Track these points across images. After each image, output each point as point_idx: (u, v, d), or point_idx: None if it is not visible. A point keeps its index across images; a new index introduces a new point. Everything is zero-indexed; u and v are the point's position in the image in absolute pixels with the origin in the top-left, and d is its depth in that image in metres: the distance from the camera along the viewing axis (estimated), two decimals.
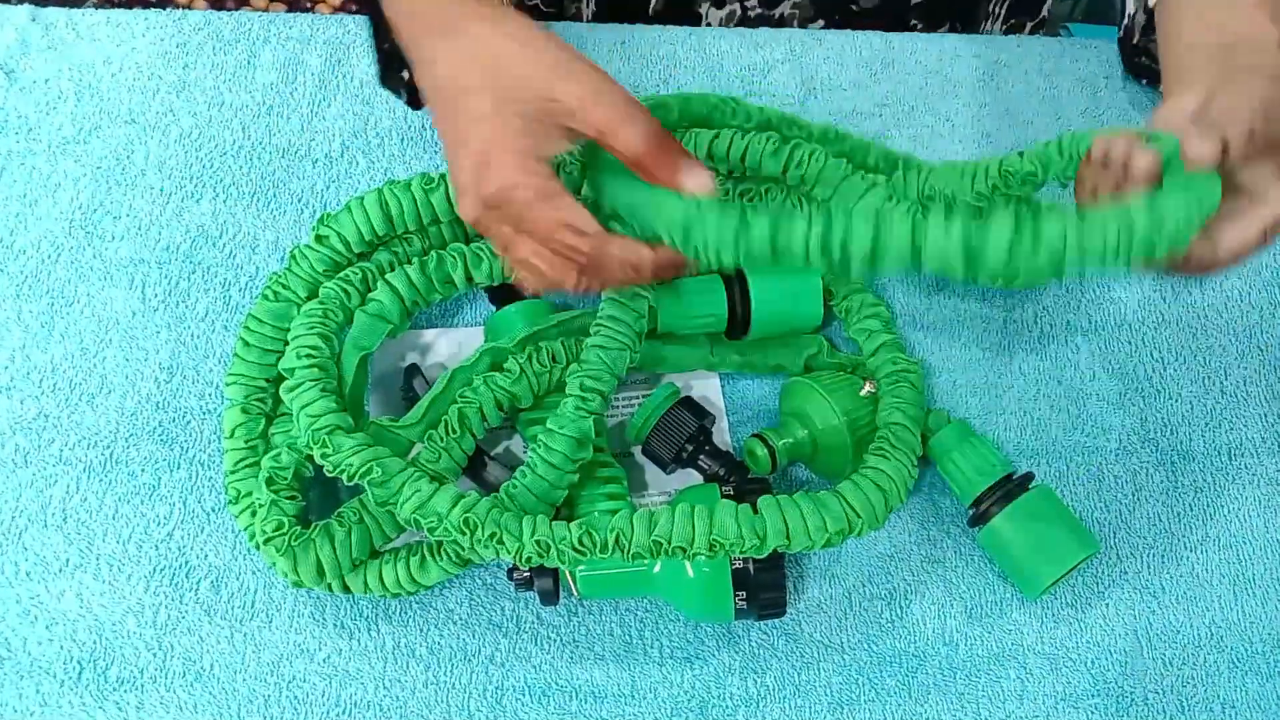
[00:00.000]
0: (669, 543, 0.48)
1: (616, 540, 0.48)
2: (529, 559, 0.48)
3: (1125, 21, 0.72)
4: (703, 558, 0.49)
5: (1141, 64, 0.74)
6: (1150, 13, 0.65)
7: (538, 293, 0.57)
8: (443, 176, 0.58)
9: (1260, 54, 0.51)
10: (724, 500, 0.50)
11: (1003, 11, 0.84)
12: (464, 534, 0.48)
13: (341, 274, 0.57)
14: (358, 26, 0.72)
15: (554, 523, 0.49)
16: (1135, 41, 0.72)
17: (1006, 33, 0.85)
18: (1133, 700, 0.57)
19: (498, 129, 0.47)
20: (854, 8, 0.79)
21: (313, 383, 0.52)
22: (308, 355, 0.53)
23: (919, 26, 0.81)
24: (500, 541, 0.48)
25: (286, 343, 0.55)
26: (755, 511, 0.49)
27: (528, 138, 0.47)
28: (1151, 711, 0.57)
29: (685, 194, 0.47)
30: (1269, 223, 0.49)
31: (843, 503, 0.50)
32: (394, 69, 0.66)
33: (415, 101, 0.68)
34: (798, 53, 0.75)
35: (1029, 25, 0.86)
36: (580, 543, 0.48)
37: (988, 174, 0.58)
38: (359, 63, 0.71)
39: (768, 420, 0.62)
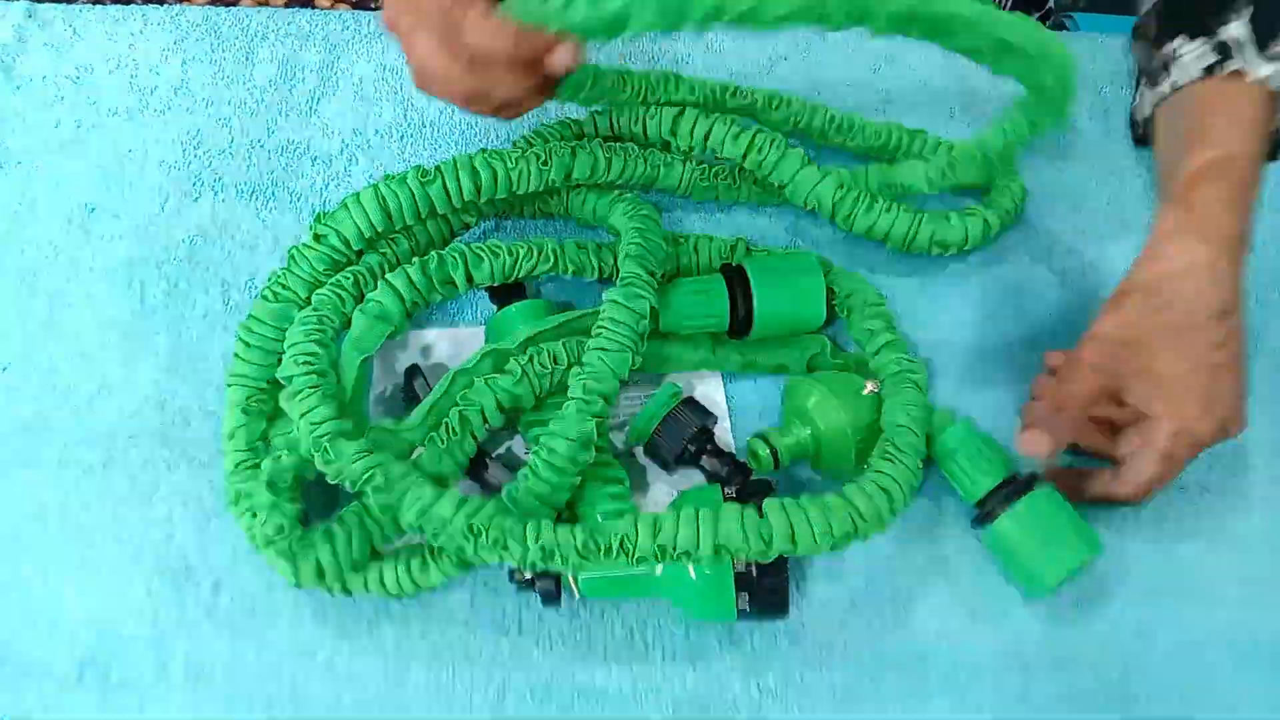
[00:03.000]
0: (674, 547, 0.48)
1: (621, 545, 0.48)
2: (533, 564, 0.48)
3: (1135, 100, 0.72)
4: (707, 562, 0.49)
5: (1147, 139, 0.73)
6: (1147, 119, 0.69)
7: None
8: (438, 169, 0.58)
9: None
10: (728, 504, 0.49)
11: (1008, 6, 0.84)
12: (468, 540, 0.48)
13: (333, 279, 0.57)
14: (357, 22, 0.71)
15: (558, 527, 0.49)
16: (1142, 129, 0.72)
17: None
18: (1136, 700, 0.57)
19: None
20: None
21: (312, 389, 0.52)
22: (305, 362, 0.53)
23: None
24: (505, 547, 0.48)
25: None
26: (760, 515, 0.49)
27: None
28: (1155, 711, 0.56)
29: None
30: (1162, 439, 0.55)
31: (848, 506, 0.50)
32: None
33: None
34: (801, 48, 0.74)
35: (1034, 16, 0.85)
36: (585, 548, 0.48)
37: (938, 166, 0.64)
38: (358, 59, 0.70)
39: (771, 420, 0.61)
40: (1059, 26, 0.88)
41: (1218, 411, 0.55)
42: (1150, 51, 0.68)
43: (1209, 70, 0.62)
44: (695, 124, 0.63)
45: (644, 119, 0.63)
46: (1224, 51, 0.62)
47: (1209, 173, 0.58)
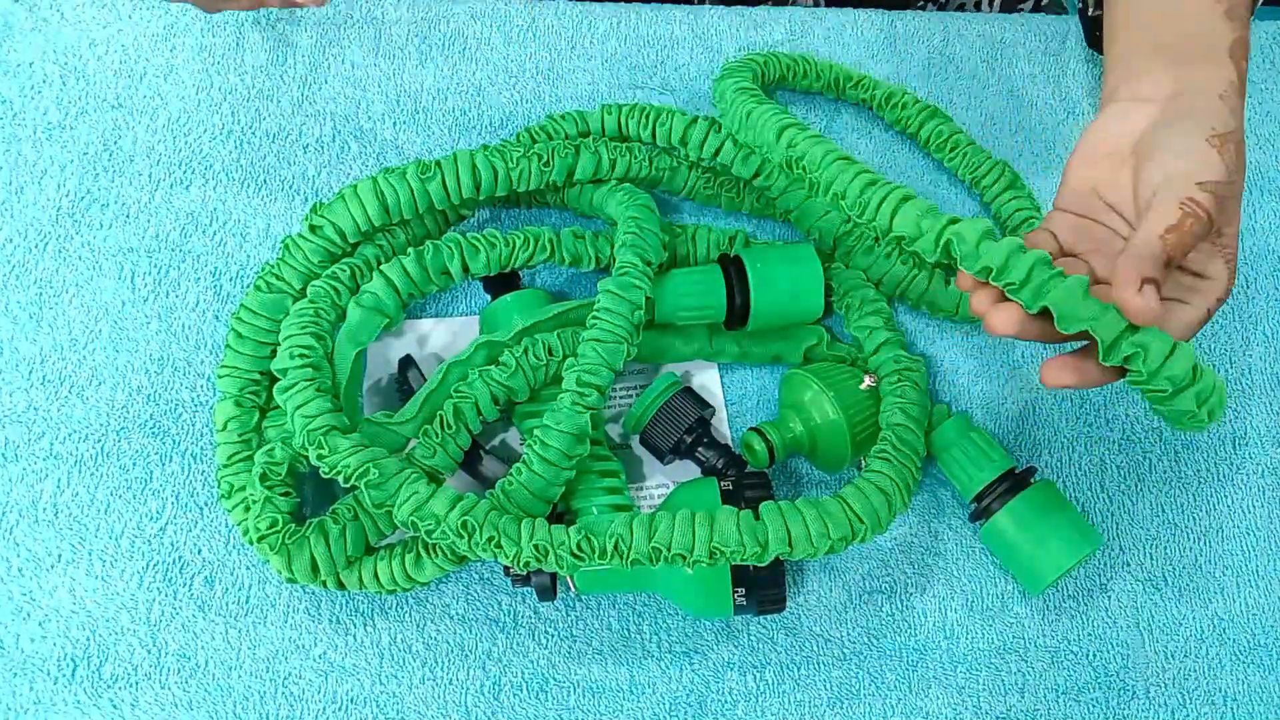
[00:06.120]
0: (668, 550, 0.47)
1: (615, 546, 0.47)
2: (526, 563, 0.48)
3: None
4: (703, 565, 0.48)
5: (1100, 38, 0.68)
6: None
7: None
8: (438, 164, 0.57)
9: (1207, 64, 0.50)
10: (725, 508, 0.49)
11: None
12: (461, 537, 0.48)
13: (330, 271, 0.56)
14: (349, 6, 0.70)
15: (552, 527, 0.48)
16: (1092, 13, 0.68)
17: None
18: (1134, 693, 0.57)
19: None
20: None
21: (307, 383, 0.51)
22: (301, 355, 0.52)
23: (924, 5, 0.80)
24: (498, 545, 0.47)
25: None
26: (756, 518, 0.49)
27: None
28: (1153, 704, 0.56)
29: None
30: (1213, 304, 0.48)
31: (845, 509, 0.49)
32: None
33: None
34: (798, 32, 0.73)
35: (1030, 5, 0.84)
36: (579, 548, 0.47)
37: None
38: (350, 43, 0.69)
39: (767, 411, 0.61)
40: (1057, 10, 0.87)
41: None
42: None
43: None
44: (707, 137, 0.61)
45: (654, 125, 0.62)
46: None
47: (1242, 48, 0.51)
